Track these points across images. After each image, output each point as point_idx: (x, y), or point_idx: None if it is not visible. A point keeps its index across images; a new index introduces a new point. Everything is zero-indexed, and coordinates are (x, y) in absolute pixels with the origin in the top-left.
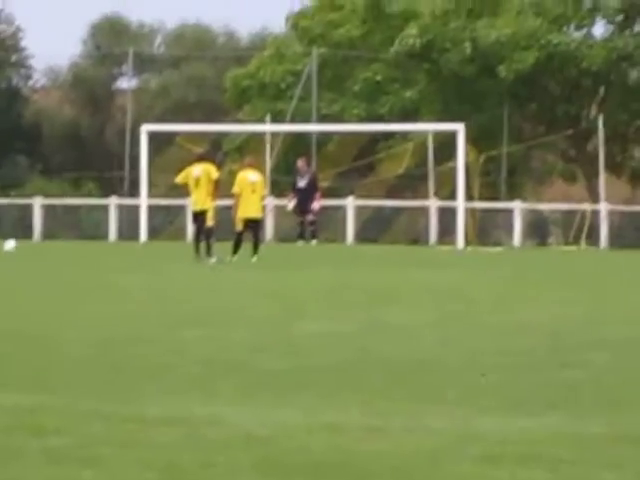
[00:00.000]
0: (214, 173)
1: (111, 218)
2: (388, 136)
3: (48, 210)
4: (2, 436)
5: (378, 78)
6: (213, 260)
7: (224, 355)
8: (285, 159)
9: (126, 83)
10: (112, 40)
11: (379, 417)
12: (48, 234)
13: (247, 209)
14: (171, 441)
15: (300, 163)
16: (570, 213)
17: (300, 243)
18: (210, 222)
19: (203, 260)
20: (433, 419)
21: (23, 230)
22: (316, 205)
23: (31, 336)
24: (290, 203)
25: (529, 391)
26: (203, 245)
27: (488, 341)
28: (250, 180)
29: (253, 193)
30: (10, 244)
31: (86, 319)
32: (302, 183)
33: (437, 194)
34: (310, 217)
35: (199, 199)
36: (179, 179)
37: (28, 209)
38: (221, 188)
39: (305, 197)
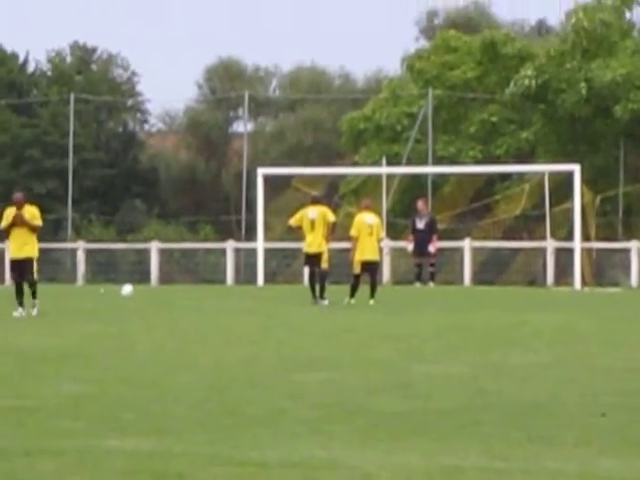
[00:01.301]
0: (330, 216)
1: (228, 262)
2: (504, 177)
3: (165, 254)
4: None
5: (494, 119)
6: (326, 303)
7: (341, 398)
8: (401, 201)
9: (242, 127)
10: (227, 84)
11: (498, 460)
12: (165, 278)
13: (365, 251)
14: None
15: (420, 204)
16: None
17: (417, 285)
18: (325, 265)
19: (318, 303)
20: (552, 461)
21: (140, 274)
22: (431, 247)
23: (147, 382)
24: (409, 245)
25: None
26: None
27: (605, 382)
28: (367, 222)
29: (370, 235)
30: (127, 289)
31: (202, 363)
32: (421, 224)
33: (554, 235)
34: (431, 259)
35: (314, 241)
36: (293, 221)
37: (145, 253)
38: (337, 231)
39: (423, 238)
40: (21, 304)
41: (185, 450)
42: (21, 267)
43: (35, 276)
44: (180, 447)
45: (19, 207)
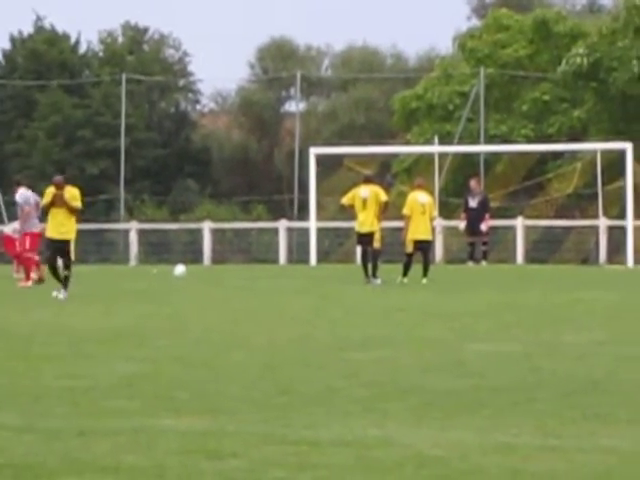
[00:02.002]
0: (383, 195)
1: (281, 241)
2: (557, 156)
3: (217, 234)
4: (180, 459)
5: (546, 98)
6: (378, 282)
7: (395, 377)
8: (453, 180)
9: (294, 106)
10: (279, 63)
11: (552, 437)
12: (217, 258)
13: (417, 230)
14: (344, 463)
15: (473, 183)
16: None
17: (470, 264)
18: (377, 244)
19: (370, 282)
20: (606, 438)
21: (193, 254)
22: (484, 226)
23: (200, 361)
24: (461, 223)
25: None
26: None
27: None
28: (420, 201)
29: (423, 214)
30: (180, 269)
31: (255, 343)
32: (474, 203)
33: (606, 213)
34: (484, 238)
35: (366, 221)
36: (345, 200)
37: (198, 233)
38: (390, 210)
39: (476, 217)
40: (60, 282)
41: (238, 429)
42: (57, 248)
43: (72, 258)
44: (233, 426)
45: (59, 188)
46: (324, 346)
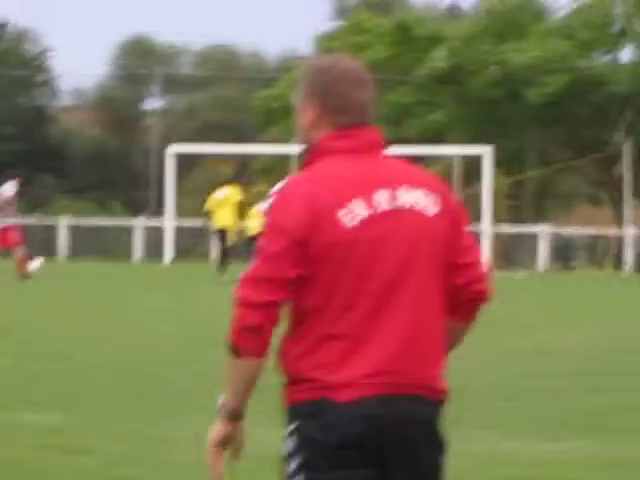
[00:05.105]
0: (238, 195)
1: (137, 239)
2: (415, 160)
3: (74, 230)
4: (33, 454)
5: (405, 101)
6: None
7: None
8: None
9: (153, 104)
10: (139, 61)
11: None
12: (73, 254)
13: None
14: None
15: None
16: (596, 237)
17: None
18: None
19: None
20: (456, 443)
21: (49, 249)
22: None
23: (57, 357)
24: None
25: (556, 415)
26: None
27: (513, 366)
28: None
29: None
30: (37, 263)
31: (110, 340)
32: None
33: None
34: None
35: (221, 217)
36: (207, 206)
37: (54, 229)
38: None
39: None
40: None
41: (92, 425)
42: None
43: None
44: (88, 422)
45: None
46: (183, 344)
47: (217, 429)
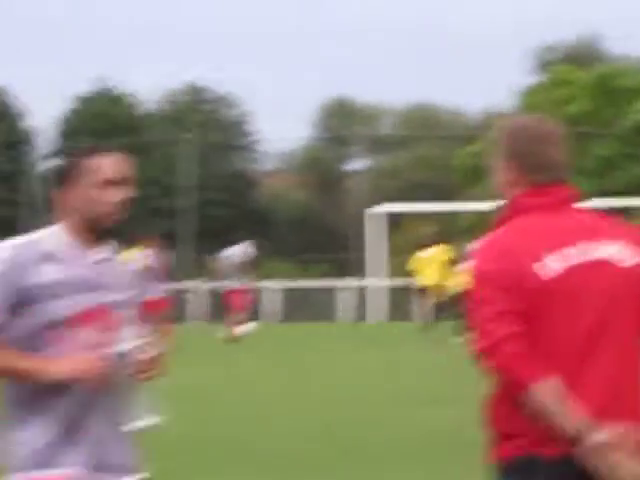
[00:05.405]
0: (446, 253)
1: (345, 299)
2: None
3: (285, 292)
4: None
5: (608, 154)
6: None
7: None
8: None
9: (356, 164)
10: (342, 123)
11: None
12: (284, 317)
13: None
14: None
15: None
16: None
17: None
18: (438, 298)
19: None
20: None
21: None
22: None
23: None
24: None
25: None
26: None
27: None
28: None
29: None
30: (250, 326)
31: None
32: None
33: None
34: None
35: (430, 275)
36: (410, 265)
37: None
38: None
39: None
40: None
41: None
42: None
43: None
44: None
45: None
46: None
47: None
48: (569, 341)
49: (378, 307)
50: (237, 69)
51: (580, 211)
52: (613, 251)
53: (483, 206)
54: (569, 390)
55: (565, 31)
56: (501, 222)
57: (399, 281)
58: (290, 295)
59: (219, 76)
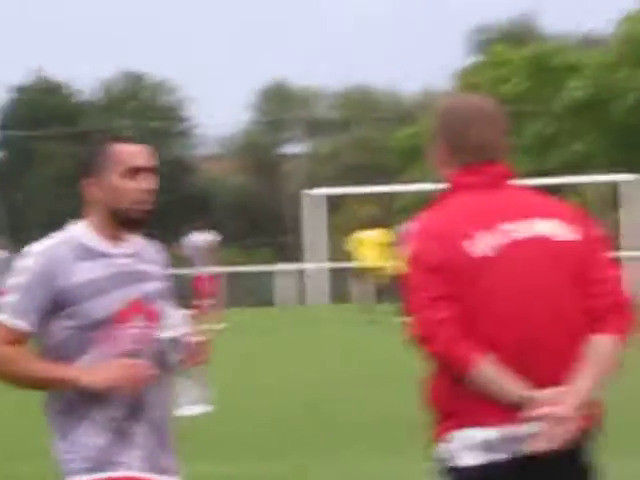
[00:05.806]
0: (386, 235)
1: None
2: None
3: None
4: None
5: (546, 132)
6: None
7: None
8: None
9: (294, 148)
10: (278, 106)
11: None
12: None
13: None
14: None
15: None
16: None
17: None
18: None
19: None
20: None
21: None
22: None
23: None
24: None
25: None
26: None
27: None
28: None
29: None
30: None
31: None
32: None
33: None
34: None
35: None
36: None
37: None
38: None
39: None
40: None
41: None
42: None
43: None
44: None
45: None
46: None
47: None
48: (507, 316)
49: (318, 290)
50: (174, 55)
51: (514, 189)
52: (548, 228)
53: (422, 187)
54: (511, 366)
55: (503, 10)
56: (434, 203)
57: (339, 264)
58: (232, 281)
59: (156, 62)
